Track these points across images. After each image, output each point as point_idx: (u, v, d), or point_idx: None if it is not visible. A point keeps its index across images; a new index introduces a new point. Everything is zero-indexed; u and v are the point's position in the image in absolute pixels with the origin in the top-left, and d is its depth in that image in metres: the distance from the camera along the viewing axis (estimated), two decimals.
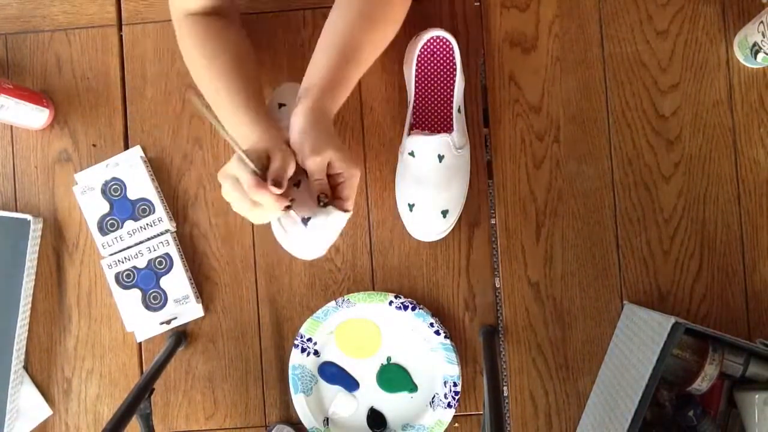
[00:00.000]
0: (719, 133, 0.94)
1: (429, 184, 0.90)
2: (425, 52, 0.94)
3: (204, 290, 0.97)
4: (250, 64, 0.85)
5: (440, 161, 0.89)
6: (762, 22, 0.86)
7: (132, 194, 0.96)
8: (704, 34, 0.95)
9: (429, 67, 0.94)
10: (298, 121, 0.73)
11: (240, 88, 0.80)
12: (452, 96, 0.93)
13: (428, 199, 0.90)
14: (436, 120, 0.94)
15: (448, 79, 0.94)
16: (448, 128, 0.94)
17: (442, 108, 0.94)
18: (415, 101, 0.94)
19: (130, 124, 0.99)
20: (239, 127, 0.77)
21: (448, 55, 0.93)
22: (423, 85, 0.94)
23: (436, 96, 0.94)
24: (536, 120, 0.95)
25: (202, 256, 0.97)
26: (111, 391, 0.97)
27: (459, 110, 0.92)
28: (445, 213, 0.91)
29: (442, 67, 0.94)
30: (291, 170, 0.71)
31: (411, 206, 0.91)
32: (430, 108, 0.94)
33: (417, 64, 0.93)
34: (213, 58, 0.82)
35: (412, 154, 0.90)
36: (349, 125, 0.97)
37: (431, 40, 0.93)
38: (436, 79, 0.94)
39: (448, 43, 0.92)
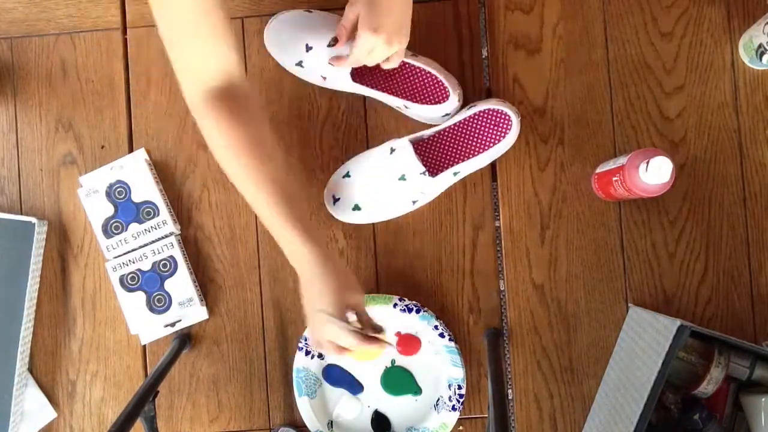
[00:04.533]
0: (724, 135, 0.94)
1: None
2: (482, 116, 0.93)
3: (208, 293, 0.97)
4: (292, 171, 0.81)
5: (399, 179, 0.90)
6: (767, 23, 0.86)
7: (136, 197, 0.96)
8: (709, 35, 0.95)
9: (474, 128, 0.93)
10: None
11: (291, 197, 0.74)
12: (464, 159, 0.92)
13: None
14: (432, 160, 0.94)
15: (478, 145, 0.92)
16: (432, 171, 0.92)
17: (445, 158, 0.93)
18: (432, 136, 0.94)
19: (135, 127, 0.99)
20: (291, 245, 0.74)
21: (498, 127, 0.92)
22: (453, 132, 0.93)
23: (451, 145, 0.93)
24: (540, 122, 0.95)
25: (207, 259, 0.97)
26: (115, 393, 0.98)
27: (455, 174, 0.91)
28: None
29: (484, 134, 0.93)
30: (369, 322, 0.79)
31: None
32: (434, 149, 0.93)
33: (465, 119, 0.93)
34: (261, 164, 0.73)
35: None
36: (353, 127, 0.97)
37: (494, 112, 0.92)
38: (470, 136, 0.93)
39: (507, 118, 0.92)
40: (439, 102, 0.91)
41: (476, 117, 0.91)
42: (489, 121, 0.91)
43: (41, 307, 0.98)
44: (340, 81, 0.91)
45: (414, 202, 0.93)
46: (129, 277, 0.96)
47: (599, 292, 0.94)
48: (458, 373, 0.93)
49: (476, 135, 0.92)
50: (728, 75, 0.94)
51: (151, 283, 0.96)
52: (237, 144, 0.72)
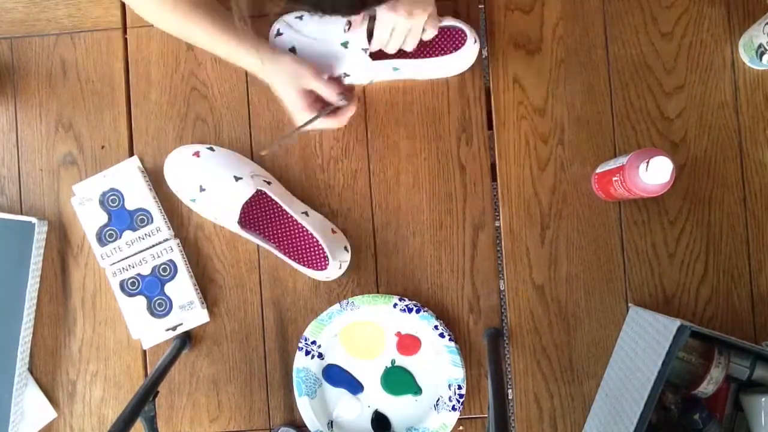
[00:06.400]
0: (724, 135, 0.94)
1: None
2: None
3: (208, 293, 0.97)
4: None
5: None
6: (767, 23, 0.86)
7: (130, 205, 0.96)
8: (709, 35, 0.95)
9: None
10: None
11: (227, 24, 0.85)
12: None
13: None
14: None
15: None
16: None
17: None
18: None
19: (135, 126, 0.99)
20: (246, 58, 0.86)
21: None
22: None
23: None
24: (541, 122, 0.95)
25: (207, 259, 0.97)
26: (115, 393, 0.98)
27: (394, 69, 0.92)
28: None
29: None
30: (333, 86, 0.86)
31: None
32: None
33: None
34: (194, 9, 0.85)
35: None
36: (353, 128, 0.97)
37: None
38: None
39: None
40: (319, 268, 0.93)
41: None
42: (445, 34, 0.93)
43: (41, 307, 0.98)
44: (228, 223, 0.93)
45: (346, 76, 0.93)
46: (129, 282, 0.95)
47: (599, 292, 0.94)
48: (458, 373, 0.93)
49: (428, 41, 0.92)
50: (728, 75, 0.94)
51: (151, 288, 0.95)
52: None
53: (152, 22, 0.88)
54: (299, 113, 0.86)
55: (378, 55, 0.91)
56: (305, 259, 0.94)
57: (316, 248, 0.93)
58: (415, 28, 0.85)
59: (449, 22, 0.92)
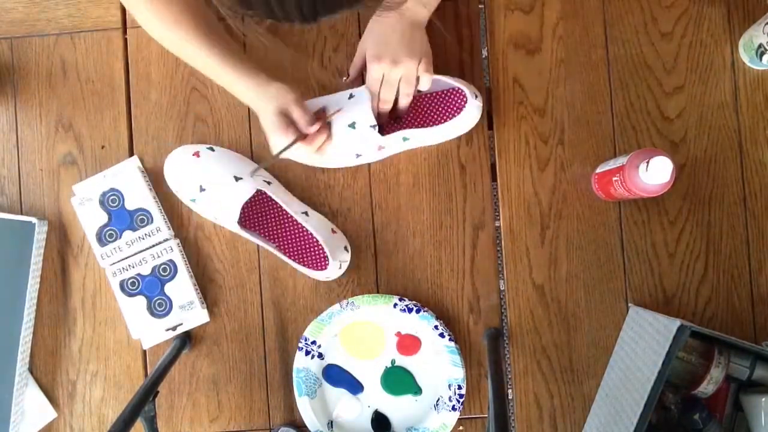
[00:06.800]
0: (724, 135, 0.94)
1: None
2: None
3: (208, 293, 0.97)
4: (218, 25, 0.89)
5: None
6: (767, 23, 0.86)
7: (130, 205, 0.96)
8: (709, 35, 0.95)
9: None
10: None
11: (227, 50, 0.85)
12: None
13: None
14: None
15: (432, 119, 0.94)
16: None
17: None
18: None
19: (135, 127, 0.99)
20: (236, 85, 0.85)
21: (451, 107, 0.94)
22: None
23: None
24: (541, 122, 0.95)
25: (207, 259, 0.97)
26: (115, 393, 0.98)
27: (404, 139, 0.92)
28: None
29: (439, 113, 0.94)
30: (308, 113, 0.84)
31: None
32: None
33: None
34: (191, 30, 0.84)
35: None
36: None
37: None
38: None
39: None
40: (319, 269, 0.93)
41: (435, 93, 0.93)
42: (444, 98, 0.93)
43: (41, 307, 0.98)
44: (228, 223, 0.93)
45: (357, 156, 0.92)
46: (129, 282, 0.95)
47: (599, 292, 0.94)
48: (458, 373, 0.93)
49: (432, 108, 0.93)
50: (728, 75, 0.94)
51: (151, 288, 0.95)
52: (174, 13, 0.83)
53: (155, 38, 0.88)
54: (273, 134, 0.84)
55: (387, 130, 0.92)
56: (305, 259, 0.94)
57: (316, 248, 0.93)
58: (407, 77, 0.85)
59: (444, 84, 0.91)
